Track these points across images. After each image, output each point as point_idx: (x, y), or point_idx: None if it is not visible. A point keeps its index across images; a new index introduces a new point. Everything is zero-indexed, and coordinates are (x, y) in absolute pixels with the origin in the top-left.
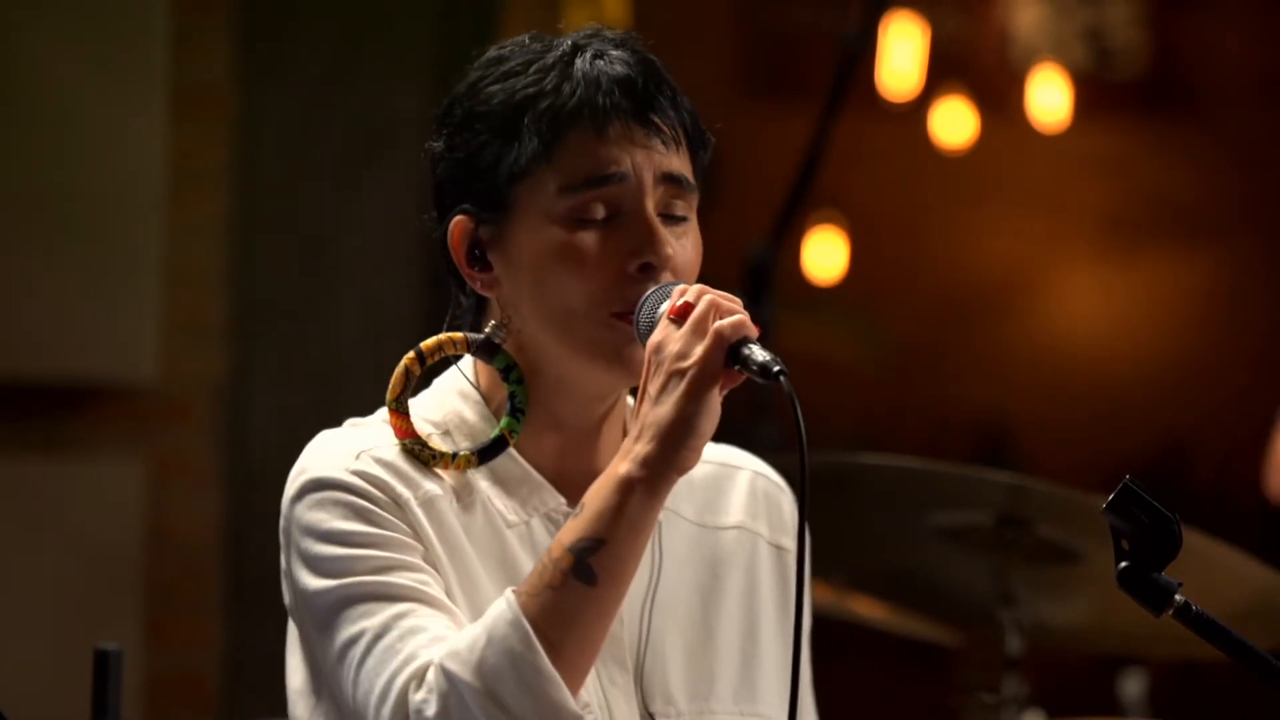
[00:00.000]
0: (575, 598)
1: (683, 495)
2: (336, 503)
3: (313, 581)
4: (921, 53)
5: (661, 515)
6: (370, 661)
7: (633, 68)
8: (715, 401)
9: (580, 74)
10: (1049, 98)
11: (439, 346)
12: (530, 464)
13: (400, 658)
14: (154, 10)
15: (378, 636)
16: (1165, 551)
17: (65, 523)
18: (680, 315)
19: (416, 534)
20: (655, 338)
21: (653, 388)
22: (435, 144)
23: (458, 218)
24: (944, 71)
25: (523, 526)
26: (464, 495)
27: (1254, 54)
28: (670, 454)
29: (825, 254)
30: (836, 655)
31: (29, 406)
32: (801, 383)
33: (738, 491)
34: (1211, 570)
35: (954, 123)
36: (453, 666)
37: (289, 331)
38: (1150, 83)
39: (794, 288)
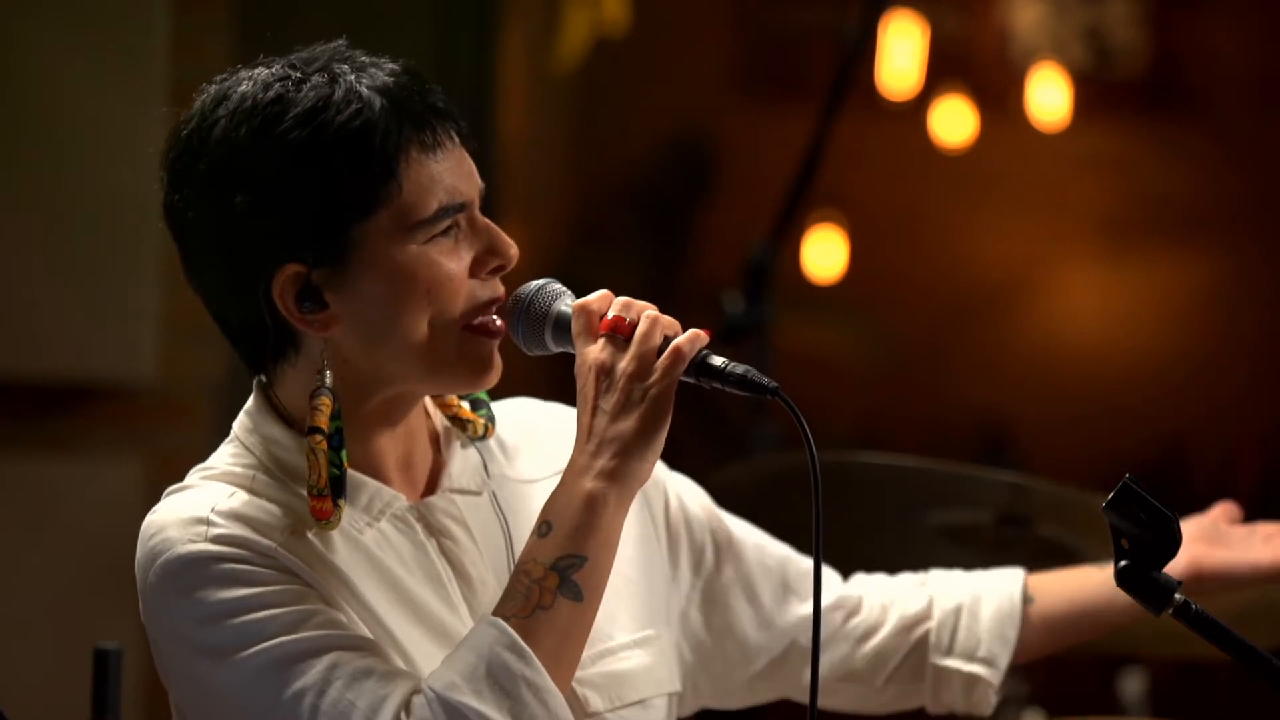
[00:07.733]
0: (566, 614)
1: (501, 463)
2: (209, 579)
3: (218, 670)
4: (921, 52)
5: (492, 488)
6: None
7: (408, 73)
8: (670, 411)
9: (379, 92)
10: (1049, 97)
11: (330, 416)
12: (361, 472)
13: (364, 706)
14: (154, 10)
15: (321, 693)
16: (1165, 550)
17: (65, 522)
18: (615, 330)
19: (297, 574)
20: (601, 356)
21: (607, 404)
22: (239, 198)
23: (287, 271)
24: (944, 71)
25: (374, 532)
26: (311, 521)
27: (1254, 54)
28: (635, 466)
29: (825, 253)
30: None
31: (29, 406)
32: (801, 382)
33: (549, 439)
34: None
35: (954, 122)
36: (459, 698)
37: None
38: (1150, 83)
39: (794, 287)
